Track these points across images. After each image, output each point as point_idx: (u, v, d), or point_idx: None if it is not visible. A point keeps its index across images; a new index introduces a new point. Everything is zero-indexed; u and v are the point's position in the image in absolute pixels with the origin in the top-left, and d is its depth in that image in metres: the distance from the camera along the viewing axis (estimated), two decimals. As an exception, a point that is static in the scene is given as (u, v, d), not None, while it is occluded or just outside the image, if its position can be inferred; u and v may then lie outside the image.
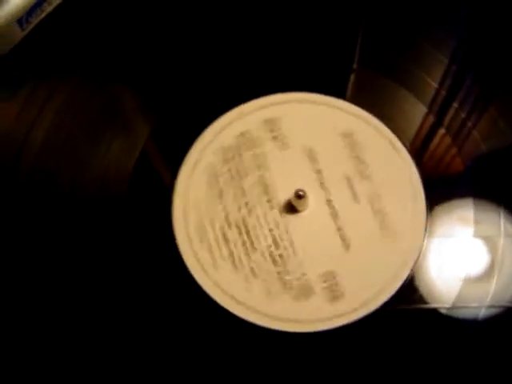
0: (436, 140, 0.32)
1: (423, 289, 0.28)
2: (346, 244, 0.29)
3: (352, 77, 0.34)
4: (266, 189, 0.30)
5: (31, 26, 0.34)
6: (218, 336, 0.28)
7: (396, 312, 0.28)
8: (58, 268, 0.29)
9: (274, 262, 0.29)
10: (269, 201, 0.30)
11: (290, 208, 0.30)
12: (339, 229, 0.29)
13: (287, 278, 0.28)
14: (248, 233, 0.29)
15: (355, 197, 0.30)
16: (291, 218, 0.30)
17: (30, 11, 0.33)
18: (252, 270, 0.28)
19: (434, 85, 0.33)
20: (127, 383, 0.27)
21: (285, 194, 0.30)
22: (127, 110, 0.33)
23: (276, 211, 0.30)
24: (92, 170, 0.31)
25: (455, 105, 0.32)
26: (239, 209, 0.30)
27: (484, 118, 0.32)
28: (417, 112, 0.33)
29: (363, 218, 0.29)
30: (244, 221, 0.29)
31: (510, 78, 0.33)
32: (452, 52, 0.34)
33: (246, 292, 0.28)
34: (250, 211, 0.30)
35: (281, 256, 0.29)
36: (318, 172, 0.31)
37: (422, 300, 0.28)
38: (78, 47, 0.35)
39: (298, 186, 0.29)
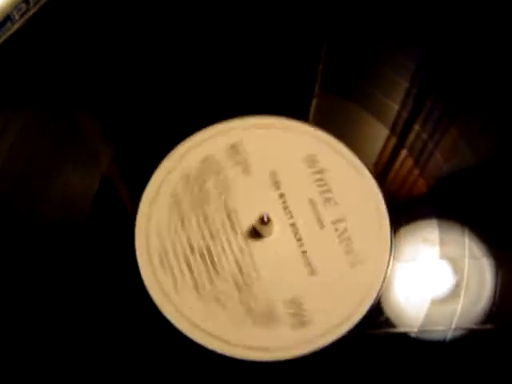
0: (398, 162, 0.32)
1: (390, 313, 0.28)
2: (311, 269, 0.28)
3: (314, 101, 0.34)
4: (229, 215, 0.30)
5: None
6: (180, 363, 0.27)
7: (363, 337, 0.27)
8: (16, 297, 0.28)
9: (239, 289, 0.28)
10: (232, 227, 0.29)
11: (255, 233, 0.29)
12: (304, 254, 0.29)
13: (252, 305, 0.28)
14: (212, 260, 0.29)
15: (319, 221, 0.30)
16: (256, 243, 0.29)
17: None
18: (216, 297, 0.28)
19: (396, 107, 0.33)
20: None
21: (249, 220, 0.29)
22: (87, 136, 0.33)
23: (240, 237, 0.29)
24: (52, 198, 0.30)
25: (416, 126, 0.33)
26: (202, 236, 0.29)
27: (445, 139, 0.32)
28: (379, 134, 0.33)
29: (328, 242, 0.29)
30: (208, 248, 0.29)
31: (469, 99, 0.33)
32: (412, 74, 0.34)
33: (210, 319, 0.27)
34: (213, 238, 0.29)
35: (246, 283, 0.28)
36: (282, 196, 0.30)
37: (389, 324, 0.27)
38: (33, 75, 0.34)
39: (262, 211, 0.28)
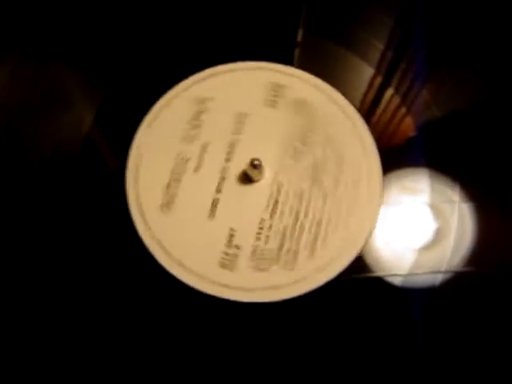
0: (385, 101, 0.32)
1: (379, 257, 0.28)
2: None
3: (298, 43, 0.33)
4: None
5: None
6: (167, 303, 0.27)
7: (353, 281, 0.28)
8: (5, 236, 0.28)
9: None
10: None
11: (246, 178, 0.29)
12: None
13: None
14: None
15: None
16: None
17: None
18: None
19: (381, 46, 0.33)
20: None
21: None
22: (73, 85, 0.32)
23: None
24: (40, 144, 0.30)
25: (403, 65, 0.33)
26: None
27: (432, 77, 0.32)
28: (365, 74, 0.33)
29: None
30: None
31: (456, 37, 0.33)
32: (397, 13, 0.34)
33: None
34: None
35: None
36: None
37: (378, 268, 0.28)
38: (18, 25, 0.33)
39: (253, 156, 0.28)
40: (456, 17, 0.34)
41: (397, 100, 0.32)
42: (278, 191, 0.29)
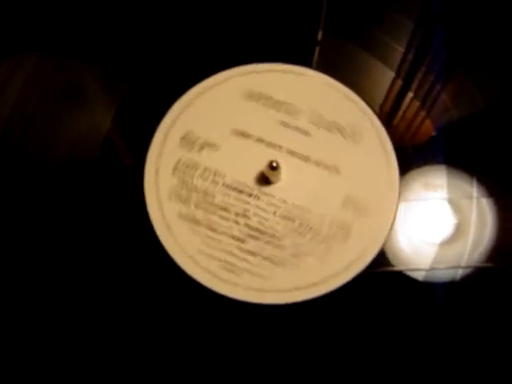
0: (405, 104, 0.32)
1: (400, 252, 0.28)
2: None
3: (317, 48, 0.33)
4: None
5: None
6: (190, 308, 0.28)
7: (373, 275, 0.28)
8: (27, 232, 0.28)
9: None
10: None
11: (264, 180, 0.29)
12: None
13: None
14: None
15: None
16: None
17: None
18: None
19: (401, 49, 0.33)
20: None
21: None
22: (92, 86, 0.32)
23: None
24: (60, 144, 0.31)
25: (423, 69, 0.32)
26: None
27: (452, 81, 0.32)
28: (385, 77, 0.33)
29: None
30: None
31: (476, 40, 0.33)
32: (418, 16, 0.34)
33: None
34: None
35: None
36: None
37: (399, 263, 0.28)
38: (38, 24, 0.33)
39: (271, 158, 0.28)
40: (475, 20, 0.33)
41: (416, 102, 0.32)
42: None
